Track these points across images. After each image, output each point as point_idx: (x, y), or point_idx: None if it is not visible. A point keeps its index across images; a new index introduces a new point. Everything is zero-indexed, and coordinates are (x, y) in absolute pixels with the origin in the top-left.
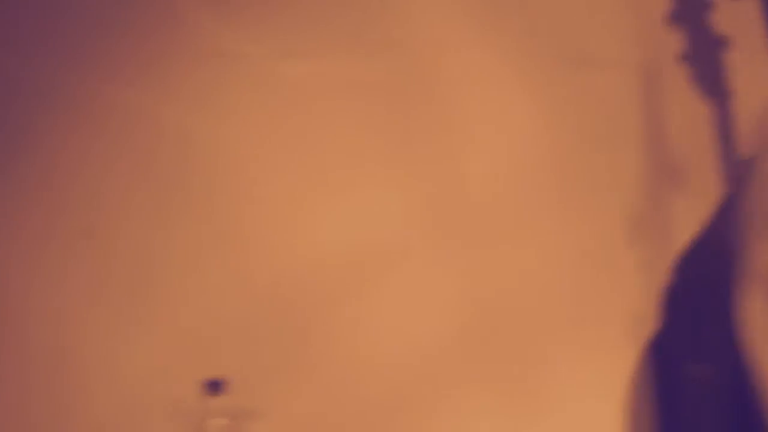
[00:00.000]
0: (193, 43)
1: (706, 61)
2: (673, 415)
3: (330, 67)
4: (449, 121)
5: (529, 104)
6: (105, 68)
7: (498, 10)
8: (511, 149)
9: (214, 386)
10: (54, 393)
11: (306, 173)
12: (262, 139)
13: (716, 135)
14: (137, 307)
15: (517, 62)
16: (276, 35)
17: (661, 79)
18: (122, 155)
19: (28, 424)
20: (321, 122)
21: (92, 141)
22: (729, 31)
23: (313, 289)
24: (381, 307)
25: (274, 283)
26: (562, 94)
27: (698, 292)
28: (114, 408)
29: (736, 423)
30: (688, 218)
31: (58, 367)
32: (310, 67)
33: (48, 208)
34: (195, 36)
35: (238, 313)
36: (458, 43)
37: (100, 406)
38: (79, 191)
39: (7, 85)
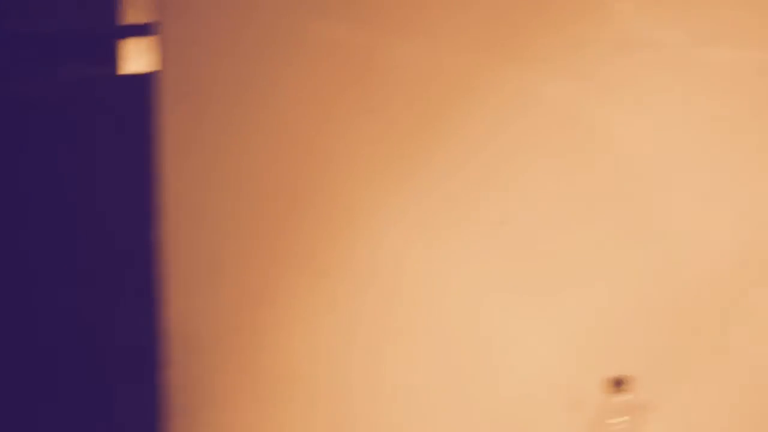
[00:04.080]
0: (614, 31)
1: None
2: None
3: (746, 53)
4: None
5: None
6: (525, 58)
7: None
8: None
9: (618, 383)
10: (459, 376)
11: (719, 163)
12: (677, 130)
13: None
14: (547, 298)
15: None
16: (692, 22)
17: None
18: (541, 147)
19: (432, 401)
20: (735, 110)
21: (516, 135)
22: None
23: (719, 285)
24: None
25: (682, 280)
26: None
27: None
28: (515, 397)
29: None
30: None
31: (469, 352)
32: (725, 53)
33: (468, 198)
34: (616, 24)
35: (643, 310)
36: None
37: (502, 393)
38: (498, 182)
39: (422, 73)
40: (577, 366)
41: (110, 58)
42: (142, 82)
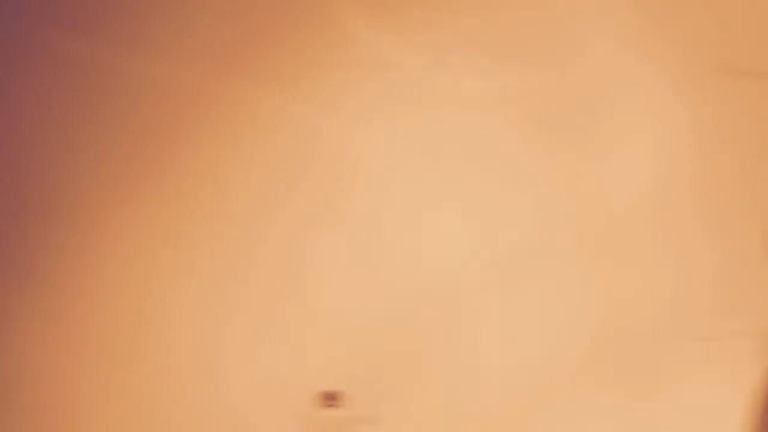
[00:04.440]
0: (349, 52)
1: None
2: None
3: (483, 79)
4: (599, 133)
5: (683, 116)
6: (260, 78)
7: (655, 21)
8: (659, 161)
9: (330, 398)
10: (172, 386)
11: (447, 183)
12: (408, 149)
13: None
14: (268, 315)
15: (672, 73)
16: (432, 46)
17: None
18: (273, 164)
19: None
20: (469, 133)
21: (250, 149)
22: None
23: (443, 298)
24: (508, 317)
25: (406, 293)
26: (718, 106)
27: None
28: (229, 414)
29: None
30: None
31: (182, 369)
32: (463, 77)
33: (185, 216)
34: (351, 45)
35: (366, 323)
36: (613, 55)
37: (214, 403)
38: (218, 198)
39: (159, 92)
40: (289, 379)
41: None
42: None
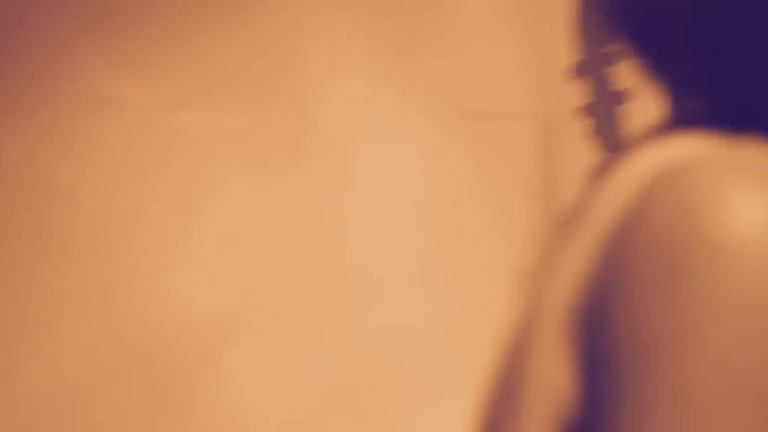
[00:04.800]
0: (82, 90)
1: (605, 114)
2: None
3: (222, 118)
4: (339, 174)
5: (424, 157)
6: None
7: (397, 63)
8: (403, 202)
9: None
10: None
11: (186, 224)
12: (144, 189)
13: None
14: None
15: (413, 114)
16: (169, 84)
17: (559, 132)
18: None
19: None
20: (208, 173)
21: None
22: (629, 85)
23: (184, 341)
24: (251, 361)
25: (144, 337)
26: (458, 146)
27: None
28: None
29: None
30: None
31: None
32: (200, 117)
33: None
34: (84, 83)
35: (102, 369)
36: (354, 96)
37: None
38: None
39: None
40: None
41: None
42: None
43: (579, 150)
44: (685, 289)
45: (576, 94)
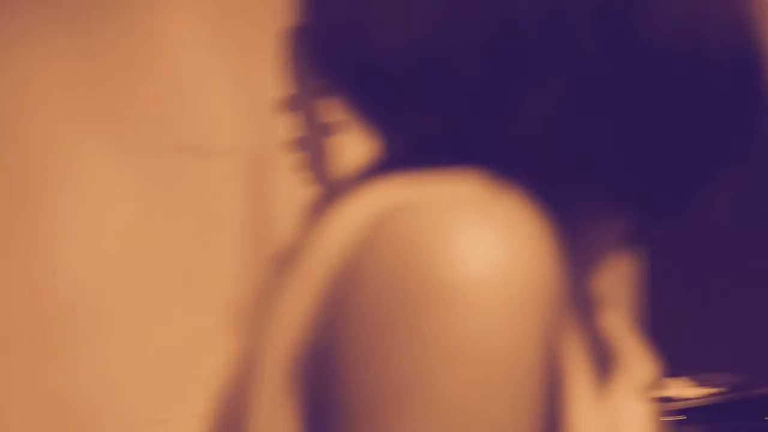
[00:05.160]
0: None
1: (315, 148)
2: None
3: None
4: (40, 213)
5: (137, 194)
6: None
7: (103, 96)
8: (114, 240)
9: None
10: None
11: None
12: None
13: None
14: None
15: (126, 151)
16: None
17: (270, 166)
18: None
19: None
20: None
21: None
22: (339, 118)
23: None
24: None
25: None
26: (172, 182)
27: None
28: None
29: None
30: None
31: None
32: None
33: None
34: None
35: None
36: (66, 134)
37: None
38: None
39: None
40: None
41: None
42: None
43: (291, 184)
44: (411, 336)
45: (286, 127)
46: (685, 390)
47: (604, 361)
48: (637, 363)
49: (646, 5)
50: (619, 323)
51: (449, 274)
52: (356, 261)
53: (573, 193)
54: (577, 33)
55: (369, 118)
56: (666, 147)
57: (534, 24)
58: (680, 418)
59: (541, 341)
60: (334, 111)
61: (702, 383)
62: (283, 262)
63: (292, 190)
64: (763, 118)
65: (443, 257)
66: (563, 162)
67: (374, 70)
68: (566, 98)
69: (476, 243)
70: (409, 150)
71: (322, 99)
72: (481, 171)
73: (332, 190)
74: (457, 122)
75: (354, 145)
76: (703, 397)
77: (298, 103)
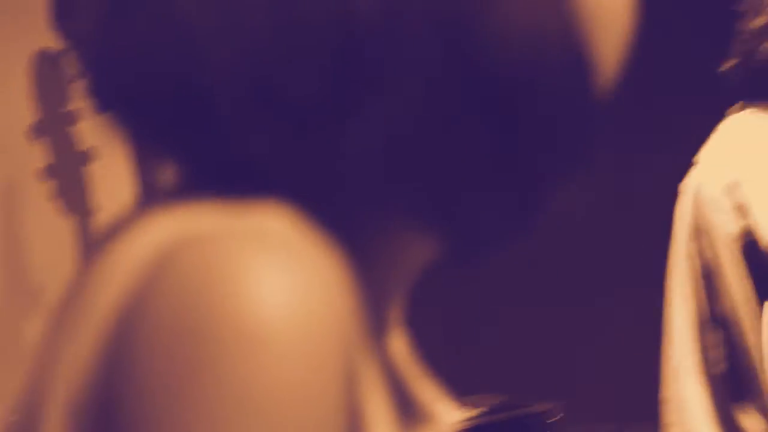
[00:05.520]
0: None
1: (69, 175)
2: None
3: None
4: None
5: None
6: None
7: None
8: None
9: None
10: None
11: None
12: None
13: (80, 252)
14: None
15: None
16: None
17: (23, 195)
18: None
19: None
20: None
21: None
22: (94, 145)
23: None
24: None
25: None
26: None
27: None
28: None
29: None
30: None
31: None
32: None
33: None
34: None
35: None
36: None
37: None
38: None
39: None
40: None
41: None
42: None
43: (45, 212)
44: (205, 383)
45: (39, 154)
46: (452, 413)
47: (401, 397)
48: (431, 400)
49: (485, 22)
50: (405, 351)
51: (245, 315)
52: (140, 299)
53: (380, 219)
54: (415, 53)
55: (148, 141)
56: (497, 168)
57: (373, 43)
58: None
59: (340, 386)
60: (89, 136)
61: (469, 405)
62: (65, 300)
63: (47, 219)
64: (593, 131)
65: (237, 297)
66: (379, 186)
67: (155, 90)
68: (394, 122)
69: (268, 281)
70: (207, 176)
71: (74, 124)
72: (281, 201)
73: (116, 220)
74: (273, 146)
75: (115, 172)
76: (471, 419)
77: (49, 129)
